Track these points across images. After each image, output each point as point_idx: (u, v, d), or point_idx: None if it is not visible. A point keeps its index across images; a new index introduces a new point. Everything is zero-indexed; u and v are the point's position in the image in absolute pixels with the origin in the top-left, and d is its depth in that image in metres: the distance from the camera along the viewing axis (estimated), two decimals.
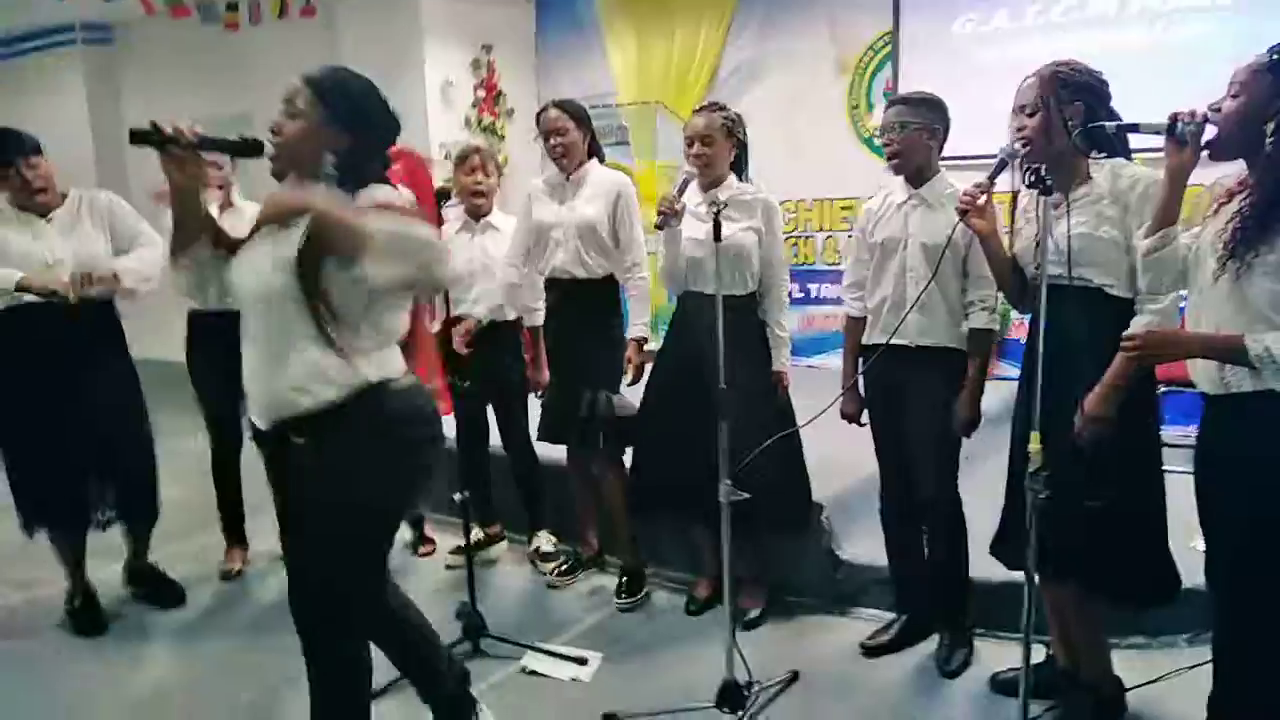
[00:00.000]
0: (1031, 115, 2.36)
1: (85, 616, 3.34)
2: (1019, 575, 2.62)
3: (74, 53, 8.29)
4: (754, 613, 3.24)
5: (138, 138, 1.90)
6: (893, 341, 2.79)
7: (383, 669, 2.30)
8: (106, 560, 3.55)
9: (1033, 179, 2.13)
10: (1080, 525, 2.33)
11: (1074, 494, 2.30)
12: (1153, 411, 2.47)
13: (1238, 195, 2.02)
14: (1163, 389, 4.05)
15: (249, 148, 1.96)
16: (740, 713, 2.58)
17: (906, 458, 2.90)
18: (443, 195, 2.95)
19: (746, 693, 2.63)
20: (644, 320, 3.41)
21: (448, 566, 3.76)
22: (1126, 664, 2.64)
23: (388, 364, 2.00)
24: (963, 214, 2.45)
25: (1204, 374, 2.05)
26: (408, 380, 2.04)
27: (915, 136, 2.78)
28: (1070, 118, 2.33)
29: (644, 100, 6.25)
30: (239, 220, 3.09)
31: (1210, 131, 2.04)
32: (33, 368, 3.15)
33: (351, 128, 1.94)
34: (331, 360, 1.90)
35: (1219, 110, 2.03)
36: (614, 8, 6.36)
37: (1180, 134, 2.02)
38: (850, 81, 5.67)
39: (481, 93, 6.32)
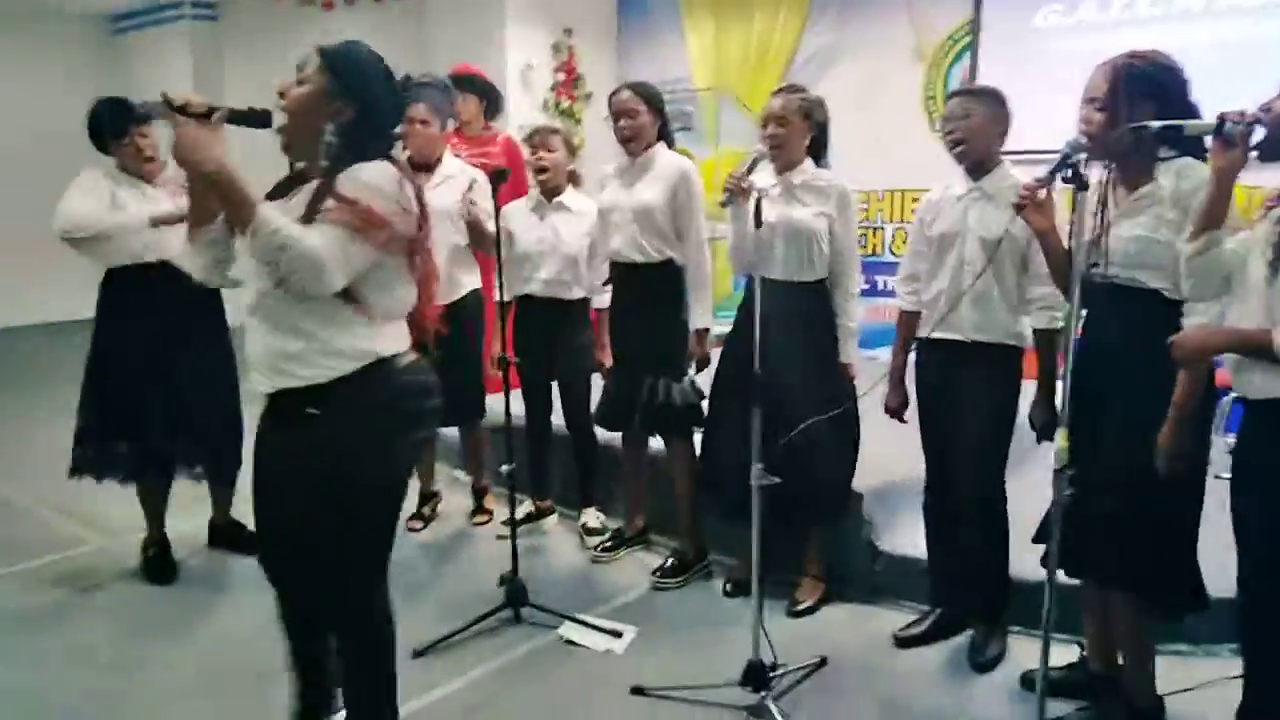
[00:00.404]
0: (1100, 110, 2.31)
1: (158, 564, 3.56)
2: (1060, 575, 2.64)
3: (182, 28, 8.70)
4: (807, 603, 3.26)
5: (147, 110, 1.91)
6: (947, 336, 2.81)
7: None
8: (188, 515, 3.77)
9: (1069, 175, 2.10)
10: (1117, 526, 2.32)
11: (1111, 495, 2.30)
12: (1206, 419, 2.42)
13: None
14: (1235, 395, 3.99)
15: (258, 118, 1.98)
16: (763, 693, 2.63)
17: (952, 452, 2.89)
18: (500, 176, 3.05)
19: (771, 674, 2.68)
20: (703, 309, 3.39)
21: (499, 537, 3.87)
22: (1168, 670, 2.60)
23: (394, 338, 2.05)
24: (1019, 208, 2.42)
25: (1241, 378, 2.02)
26: (410, 355, 2.09)
27: (978, 126, 2.77)
28: (1138, 116, 2.22)
29: (708, 87, 6.26)
30: None
31: (1261, 132, 2.00)
32: (135, 325, 3.35)
33: (355, 99, 1.95)
34: (342, 334, 1.95)
35: (1269, 110, 1.99)
36: None
37: (1228, 134, 1.98)
38: (927, 71, 5.61)
39: (560, 76, 6.42)
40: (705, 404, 3.44)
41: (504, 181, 3.04)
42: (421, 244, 2.07)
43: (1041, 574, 2.68)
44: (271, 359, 1.98)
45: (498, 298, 3.70)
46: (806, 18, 6.01)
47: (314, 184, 1.95)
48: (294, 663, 2.32)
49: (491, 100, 4.85)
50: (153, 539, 3.61)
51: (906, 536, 3.25)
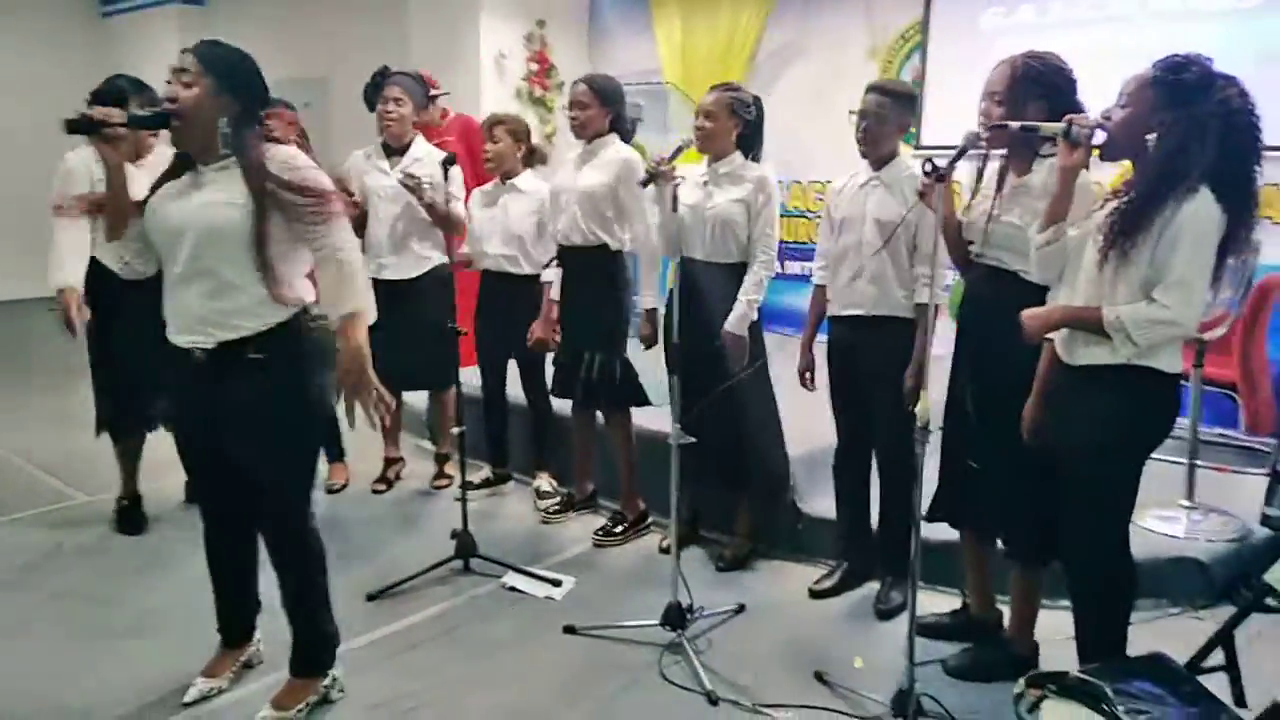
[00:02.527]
0: (999, 104, 2.55)
1: (129, 516, 3.85)
2: (956, 534, 2.94)
3: (170, 11, 8.90)
4: (732, 558, 3.54)
5: (74, 127, 2.21)
6: (851, 312, 3.10)
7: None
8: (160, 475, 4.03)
9: (929, 168, 2.37)
10: (988, 485, 2.61)
11: (983, 457, 2.60)
12: None
13: (1121, 195, 2.26)
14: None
15: (157, 119, 2.29)
16: (679, 631, 2.92)
17: (859, 415, 3.18)
18: (449, 161, 3.34)
19: (689, 615, 2.96)
20: (652, 291, 3.64)
21: (457, 499, 4.12)
22: (1051, 621, 2.81)
23: (308, 289, 2.41)
24: (921, 195, 2.65)
25: (1067, 348, 2.31)
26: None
27: (887, 128, 3.03)
28: (1034, 114, 2.46)
29: (668, 81, 6.53)
30: None
31: (1102, 136, 2.28)
32: (120, 297, 3.53)
33: (236, 93, 2.27)
34: (275, 289, 2.28)
35: (1109, 118, 2.26)
36: None
37: (1074, 137, 2.26)
38: (880, 68, 5.86)
39: (533, 65, 6.65)
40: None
41: (452, 165, 3.34)
42: None
43: (941, 533, 3.00)
44: (213, 317, 2.30)
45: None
46: (769, 16, 6.25)
47: (227, 167, 2.28)
48: (222, 594, 2.68)
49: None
50: (126, 493, 3.88)
51: (827, 500, 3.52)
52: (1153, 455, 2.51)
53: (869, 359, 3.09)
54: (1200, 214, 2.09)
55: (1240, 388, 3.98)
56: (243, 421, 2.33)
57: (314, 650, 2.57)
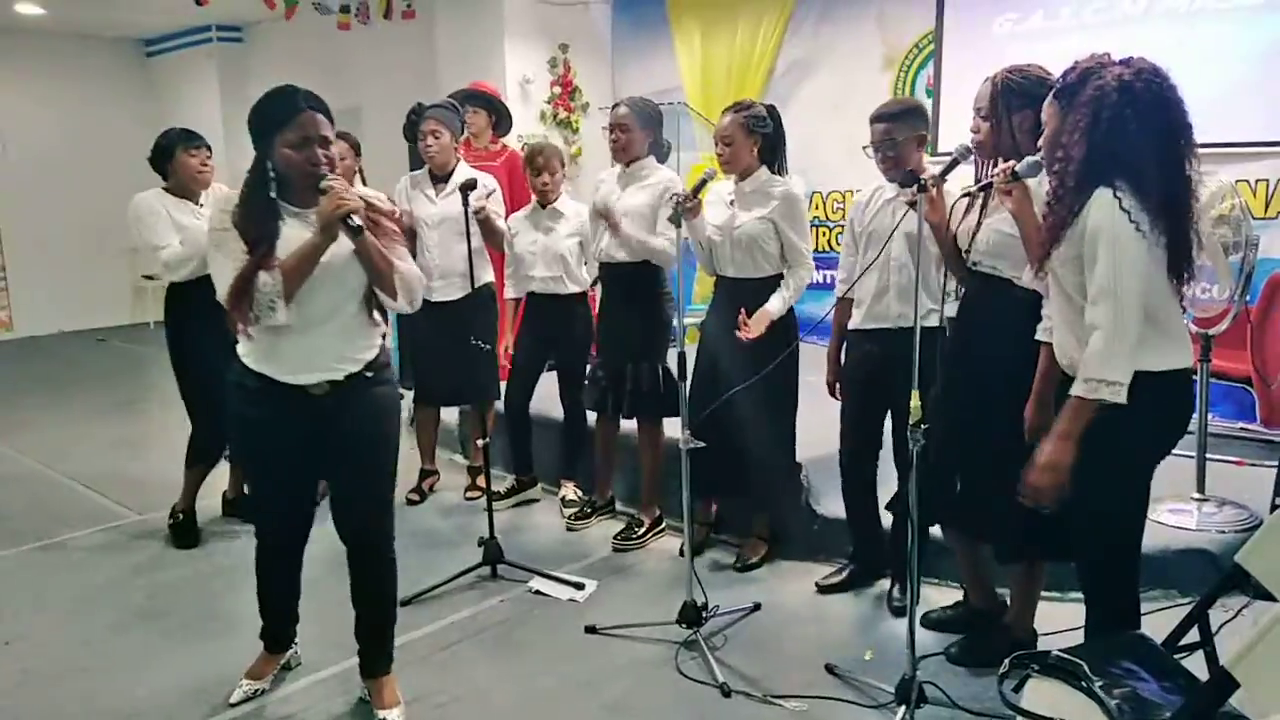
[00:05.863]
0: (985, 119, 2.66)
1: (185, 529, 4.05)
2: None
3: (210, 49, 9.27)
4: (751, 560, 3.67)
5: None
6: (877, 326, 3.18)
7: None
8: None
9: (907, 178, 2.48)
10: (988, 489, 2.69)
11: (978, 460, 2.68)
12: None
13: None
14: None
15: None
16: (695, 629, 3.04)
17: (875, 421, 3.27)
18: (470, 185, 3.54)
19: (705, 614, 3.08)
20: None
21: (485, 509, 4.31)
22: (1051, 613, 2.93)
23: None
24: (911, 205, 2.69)
25: (1062, 356, 2.39)
26: None
27: (907, 148, 3.08)
28: (1019, 124, 2.58)
29: (669, 101, 6.68)
30: None
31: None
32: (201, 326, 3.68)
33: None
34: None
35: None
36: (683, 7, 6.80)
37: (1021, 175, 2.38)
38: (895, 77, 5.97)
39: (557, 89, 6.84)
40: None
41: (472, 189, 3.52)
42: None
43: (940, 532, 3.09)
44: (341, 358, 2.56)
45: (508, 295, 4.26)
46: (785, 30, 6.39)
47: None
48: (271, 609, 2.86)
49: (499, 116, 5.29)
50: (183, 507, 4.07)
51: (842, 502, 3.62)
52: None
53: (893, 368, 3.01)
54: (1101, 217, 2.09)
55: (1255, 382, 4.03)
56: (370, 433, 2.62)
57: (391, 647, 2.82)
